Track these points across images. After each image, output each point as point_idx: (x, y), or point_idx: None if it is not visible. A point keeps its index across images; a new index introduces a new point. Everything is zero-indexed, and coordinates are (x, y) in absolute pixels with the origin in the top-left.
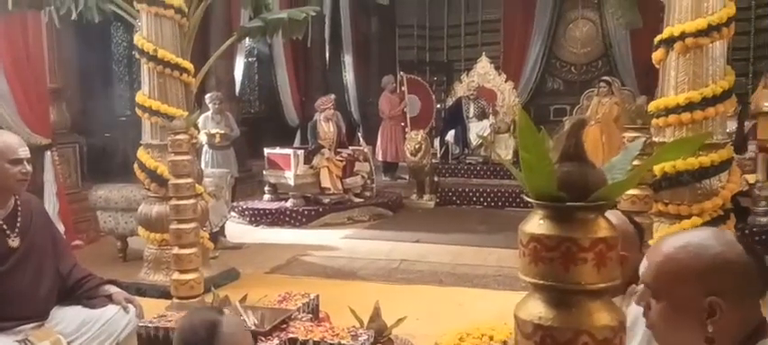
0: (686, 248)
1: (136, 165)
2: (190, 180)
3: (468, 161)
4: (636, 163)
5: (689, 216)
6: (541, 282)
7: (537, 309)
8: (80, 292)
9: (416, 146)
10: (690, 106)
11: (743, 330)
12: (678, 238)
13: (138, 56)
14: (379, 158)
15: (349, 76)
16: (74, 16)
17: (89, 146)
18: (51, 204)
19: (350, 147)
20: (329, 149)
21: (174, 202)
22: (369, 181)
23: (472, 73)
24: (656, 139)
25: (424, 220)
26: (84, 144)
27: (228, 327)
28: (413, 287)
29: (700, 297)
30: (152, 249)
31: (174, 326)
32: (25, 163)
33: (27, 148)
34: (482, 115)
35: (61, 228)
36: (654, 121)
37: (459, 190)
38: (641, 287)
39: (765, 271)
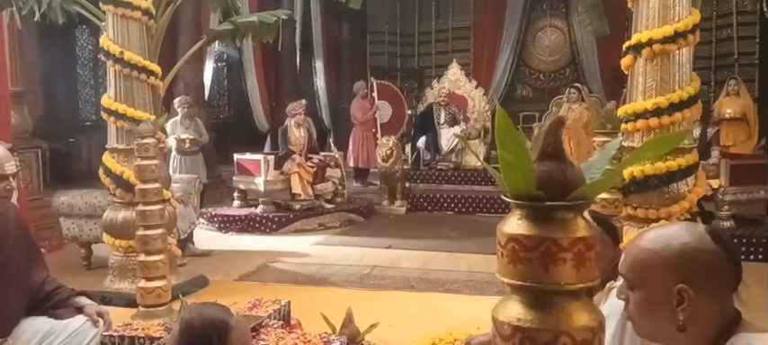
0: (657, 239)
1: (101, 170)
2: (157, 185)
3: (439, 167)
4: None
5: (657, 220)
6: (520, 283)
7: (515, 310)
8: (49, 304)
9: (388, 152)
10: (658, 111)
11: (717, 322)
12: (652, 231)
13: (103, 58)
14: (351, 164)
15: (320, 82)
16: (37, 17)
17: (52, 151)
18: None
19: (321, 153)
20: (300, 155)
21: (140, 208)
22: (340, 187)
23: (443, 79)
24: (625, 144)
25: (395, 226)
26: (47, 149)
27: (238, 331)
28: (385, 292)
29: (669, 285)
30: (117, 256)
31: (140, 335)
32: (11, 179)
33: (13, 162)
34: (453, 121)
35: None
36: (623, 126)
37: (431, 196)
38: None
39: (737, 264)
